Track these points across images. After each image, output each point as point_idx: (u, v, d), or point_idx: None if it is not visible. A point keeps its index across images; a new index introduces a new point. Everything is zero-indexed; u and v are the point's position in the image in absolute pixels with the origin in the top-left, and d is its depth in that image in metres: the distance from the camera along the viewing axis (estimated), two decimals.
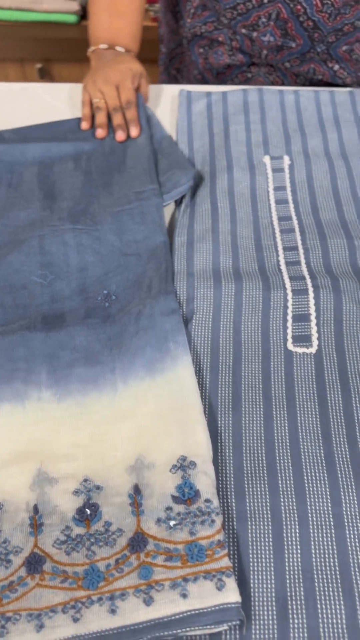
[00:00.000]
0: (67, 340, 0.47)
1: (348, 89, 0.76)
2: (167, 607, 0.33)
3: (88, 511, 0.38)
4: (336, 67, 0.78)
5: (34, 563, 0.36)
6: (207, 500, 0.37)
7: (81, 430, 0.43)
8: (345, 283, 0.51)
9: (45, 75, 1.55)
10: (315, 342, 0.48)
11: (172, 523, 0.36)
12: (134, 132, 0.65)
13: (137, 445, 0.41)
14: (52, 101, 0.77)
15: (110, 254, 0.55)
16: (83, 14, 1.35)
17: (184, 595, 0.33)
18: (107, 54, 0.73)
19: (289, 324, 0.49)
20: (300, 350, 0.48)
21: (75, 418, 0.43)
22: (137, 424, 0.42)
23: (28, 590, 0.35)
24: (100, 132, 0.66)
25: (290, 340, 0.48)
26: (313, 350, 0.47)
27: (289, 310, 0.50)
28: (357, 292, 0.51)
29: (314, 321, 0.49)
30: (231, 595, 0.33)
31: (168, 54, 0.95)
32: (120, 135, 0.65)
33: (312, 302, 0.50)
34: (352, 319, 0.49)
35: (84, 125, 0.68)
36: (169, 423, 0.41)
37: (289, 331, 0.49)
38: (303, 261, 0.54)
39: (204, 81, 0.87)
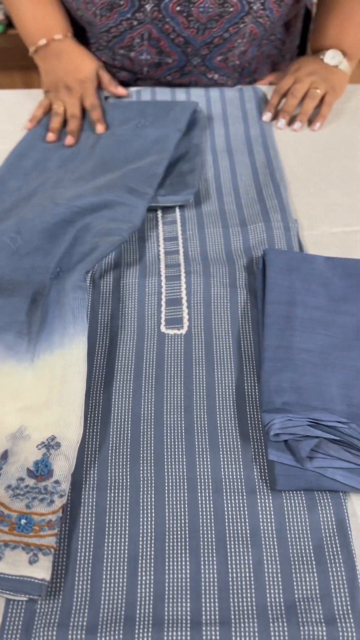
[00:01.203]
0: (9, 308, 0.49)
1: (238, 86, 0.81)
2: None
3: None
4: (216, 76, 0.82)
5: None
6: (56, 482, 0.39)
7: None
8: (215, 268, 0.54)
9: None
10: (186, 324, 0.51)
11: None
12: (100, 129, 0.71)
13: (23, 417, 0.43)
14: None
15: (82, 235, 0.56)
16: (9, 23, 1.37)
17: None
18: (50, 51, 0.76)
19: (163, 308, 0.52)
20: (172, 332, 0.51)
21: None
22: (29, 396, 0.44)
23: None
24: (50, 136, 0.71)
25: (163, 323, 0.51)
26: (183, 331, 0.50)
27: (163, 296, 0.53)
28: (225, 276, 0.54)
29: (185, 305, 0.52)
30: (39, 571, 0.35)
31: None
32: (69, 140, 0.71)
33: (183, 287, 0.53)
34: (219, 301, 0.52)
35: (28, 125, 0.74)
36: (53, 399, 0.43)
37: (163, 315, 0.52)
38: (181, 250, 0.57)
39: None
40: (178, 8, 0.69)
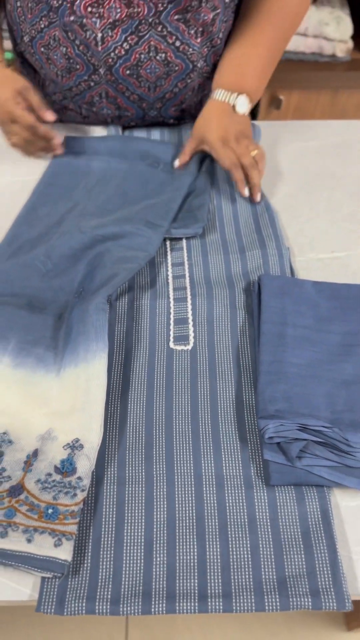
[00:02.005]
0: (40, 324, 0.56)
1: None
2: (13, 544, 0.42)
3: None
4: (173, 121, 0.88)
5: None
6: (79, 478, 0.46)
7: (19, 395, 0.51)
8: (217, 290, 0.62)
9: None
10: (191, 341, 0.58)
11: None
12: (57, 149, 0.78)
13: (51, 420, 0.50)
14: None
15: (103, 259, 0.63)
16: None
17: (29, 540, 0.42)
18: None
19: (171, 326, 0.59)
20: (179, 347, 0.58)
21: (19, 384, 0.52)
22: (56, 403, 0.51)
23: None
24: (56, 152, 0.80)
25: (172, 339, 0.58)
26: (189, 347, 0.58)
27: (171, 316, 0.60)
28: (226, 298, 0.61)
29: (190, 324, 0.59)
30: (62, 553, 0.42)
31: None
32: (56, 151, 0.79)
33: (189, 308, 0.60)
34: (221, 320, 0.60)
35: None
36: (77, 407, 0.50)
37: (171, 333, 0.59)
38: (187, 274, 0.64)
39: None
40: (128, 72, 0.75)
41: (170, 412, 0.53)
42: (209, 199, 0.73)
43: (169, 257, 0.67)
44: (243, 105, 0.74)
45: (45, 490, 0.45)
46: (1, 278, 0.61)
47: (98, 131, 0.87)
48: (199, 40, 0.74)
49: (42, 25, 0.74)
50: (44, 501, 0.45)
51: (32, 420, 0.50)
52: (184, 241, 0.69)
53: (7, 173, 0.80)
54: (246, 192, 0.73)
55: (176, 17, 0.71)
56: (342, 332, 0.59)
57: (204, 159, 0.79)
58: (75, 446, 0.48)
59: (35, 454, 0.48)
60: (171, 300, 0.61)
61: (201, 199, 0.72)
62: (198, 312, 0.60)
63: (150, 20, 0.70)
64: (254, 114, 0.99)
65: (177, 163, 0.76)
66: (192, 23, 0.72)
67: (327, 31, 1.42)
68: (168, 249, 0.68)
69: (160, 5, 0.69)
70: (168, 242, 0.69)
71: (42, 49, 0.77)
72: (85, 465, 0.46)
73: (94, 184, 0.76)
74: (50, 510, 0.44)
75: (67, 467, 0.46)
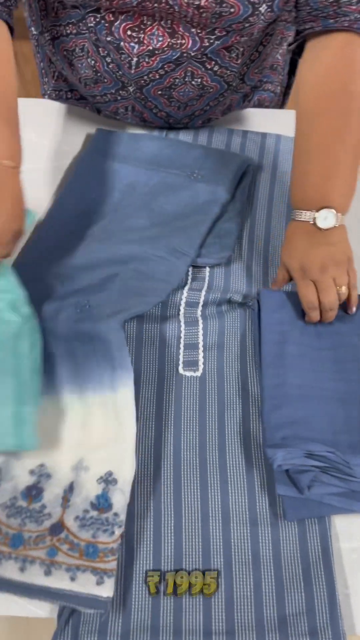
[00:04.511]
0: (53, 341, 0.56)
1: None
2: (57, 582, 0.44)
3: (34, 492, 0.49)
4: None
5: None
6: (115, 514, 0.47)
7: (50, 421, 0.52)
8: (229, 314, 0.61)
9: None
10: (201, 367, 0.58)
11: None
12: None
13: (81, 449, 0.51)
14: None
15: (117, 280, 0.61)
16: None
17: (72, 579, 0.44)
18: None
19: (181, 351, 0.59)
20: (188, 374, 0.58)
21: (48, 408, 0.52)
22: (85, 431, 0.52)
23: None
24: None
25: (181, 365, 0.58)
26: (199, 373, 0.58)
27: (182, 340, 0.59)
28: (237, 321, 0.61)
29: (201, 349, 0.59)
30: (105, 591, 0.44)
31: None
32: None
33: (200, 332, 0.60)
34: (230, 346, 0.59)
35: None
36: (109, 437, 0.51)
37: (181, 357, 0.59)
38: (201, 301, 0.62)
39: None
40: (159, 92, 0.70)
41: (178, 443, 0.54)
42: (239, 225, 0.69)
43: (187, 283, 0.65)
44: (326, 220, 0.58)
45: (84, 527, 0.47)
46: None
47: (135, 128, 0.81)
48: (239, 61, 0.68)
49: (69, 31, 0.68)
50: (83, 540, 0.46)
51: (63, 448, 0.51)
52: (207, 270, 0.66)
53: None
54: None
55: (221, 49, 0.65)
56: (334, 345, 0.59)
57: (244, 174, 0.75)
58: (109, 480, 0.49)
59: (71, 488, 0.49)
60: (182, 324, 0.60)
61: (231, 224, 0.68)
62: (209, 335, 0.60)
63: (192, 54, 0.64)
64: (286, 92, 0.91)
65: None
66: (234, 48, 0.66)
67: None
68: (189, 276, 0.65)
69: (206, 41, 0.63)
70: (190, 269, 0.66)
71: (65, 53, 0.71)
72: (120, 500, 0.48)
73: (121, 196, 0.71)
74: (90, 549, 0.46)
75: (103, 504, 0.48)
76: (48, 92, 0.86)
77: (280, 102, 0.92)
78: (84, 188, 0.72)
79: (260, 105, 0.87)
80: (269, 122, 0.83)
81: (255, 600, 0.46)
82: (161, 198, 0.70)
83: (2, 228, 0.51)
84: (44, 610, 0.46)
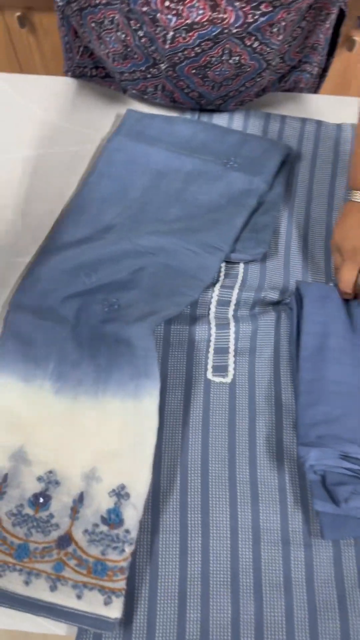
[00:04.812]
0: (76, 342, 0.53)
1: (337, 123, 0.75)
2: (63, 599, 0.42)
3: (41, 499, 0.46)
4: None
5: None
6: (127, 531, 0.44)
7: (62, 426, 0.49)
8: (263, 318, 0.57)
9: (26, 24, 1.46)
10: (231, 372, 0.55)
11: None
12: None
13: (95, 456, 0.48)
14: (15, 95, 0.77)
15: (146, 275, 0.58)
16: None
17: (79, 597, 0.42)
18: None
19: (210, 355, 0.55)
20: (217, 379, 0.54)
21: (62, 413, 0.50)
22: (101, 438, 0.49)
23: None
24: None
25: (210, 370, 0.55)
26: (229, 380, 0.54)
27: (212, 344, 0.56)
28: (271, 325, 0.57)
29: (232, 353, 0.55)
30: (113, 612, 0.41)
31: None
32: None
33: (232, 335, 0.56)
34: (263, 351, 0.56)
35: None
36: (124, 448, 0.48)
37: (210, 362, 0.55)
38: (233, 299, 0.59)
39: None
40: (193, 71, 0.66)
41: (206, 455, 0.51)
42: (276, 217, 0.64)
43: (219, 280, 0.61)
44: None
45: (93, 543, 0.44)
46: (43, 288, 0.57)
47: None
48: (280, 37, 0.63)
49: (98, 1, 0.63)
50: (92, 556, 0.44)
51: (75, 455, 0.48)
52: (241, 266, 0.62)
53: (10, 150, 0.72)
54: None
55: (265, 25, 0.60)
56: None
57: (283, 163, 0.70)
58: (121, 494, 0.46)
59: (80, 498, 0.46)
60: (212, 326, 0.57)
61: (268, 216, 0.64)
62: (240, 339, 0.56)
63: (234, 30, 0.59)
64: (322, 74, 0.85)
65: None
66: (276, 22, 0.61)
67: None
68: (222, 272, 0.61)
69: (250, 16, 0.58)
70: (223, 265, 0.62)
71: (93, 25, 0.67)
72: (132, 516, 0.45)
73: (151, 183, 0.67)
74: (99, 567, 0.43)
75: (113, 519, 0.45)
76: (72, 68, 0.81)
77: (316, 85, 0.86)
78: (112, 173, 0.67)
79: (295, 86, 0.81)
80: (305, 106, 0.78)
81: (287, 626, 0.44)
82: (194, 187, 0.66)
83: None
84: (60, 629, 0.44)
